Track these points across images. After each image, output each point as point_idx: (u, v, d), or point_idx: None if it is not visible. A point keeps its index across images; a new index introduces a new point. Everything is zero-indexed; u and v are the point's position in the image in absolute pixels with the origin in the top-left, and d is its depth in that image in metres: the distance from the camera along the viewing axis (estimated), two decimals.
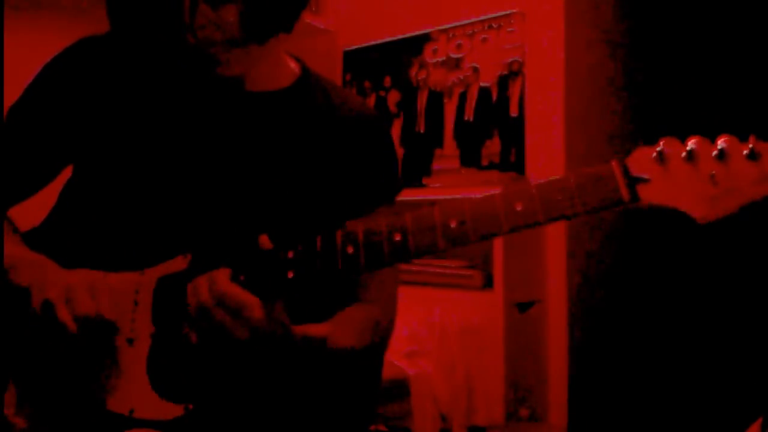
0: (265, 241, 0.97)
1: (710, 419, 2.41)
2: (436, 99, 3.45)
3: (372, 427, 2.48)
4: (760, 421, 1.44)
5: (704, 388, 2.48)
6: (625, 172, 0.87)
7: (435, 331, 2.92)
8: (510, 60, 3.18)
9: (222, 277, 0.94)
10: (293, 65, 1.20)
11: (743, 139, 0.85)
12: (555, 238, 2.95)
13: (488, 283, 2.97)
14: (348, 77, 3.85)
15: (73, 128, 1.12)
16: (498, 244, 2.86)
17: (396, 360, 2.72)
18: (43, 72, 1.14)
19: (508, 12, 3.19)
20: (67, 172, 1.18)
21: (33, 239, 1.13)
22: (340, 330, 1.07)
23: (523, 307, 2.91)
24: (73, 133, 1.12)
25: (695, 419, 2.47)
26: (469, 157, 3.31)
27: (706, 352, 2.50)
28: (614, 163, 0.88)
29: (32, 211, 1.21)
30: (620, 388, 2.72)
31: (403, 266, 3.52)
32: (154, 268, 1.04)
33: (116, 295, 1.03)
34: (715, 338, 2.48)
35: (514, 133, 3.15)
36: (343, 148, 1.16)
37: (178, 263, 1.03)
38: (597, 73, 2.94)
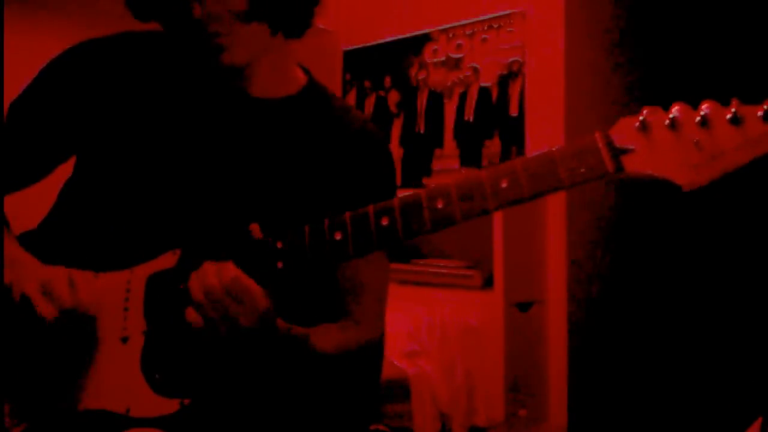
0: (255, 229, 0.98)
1: (710, 419, 2.41)
2: (436, 99, 3.45)
3: (372, 427, 2.48)
4: (760, 421, 1.44)
5: (704, 388, 2.48)
6: (609, 143, 0.86)
7: (435, 331, 2.92)
8: (510, 60, 3.18)
9: (230, 265, 0.95)
10: (300, 75, 1.20)
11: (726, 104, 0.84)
12: (555, 238, 2.95)
13: (488, 283, 2.97)
14: (348, 77, 3.85)
15: (72, 127, 1.12)
16: (498, 243, 2.86)
17: (396, 360, 2.72)
18: (46, 69, 1.14)
19: (508, 12, 3.19)
20: (66, 172, 1.18)
21: (32, 238, 1.14)
22: (321, 336, 1.07)
23: (523, 307, 2.91)
24: (71, 131, 1.13)
25: (695, 419, 2.47)
26: (469, 157, 3.31)
27: (706, 352, 2.50)
28: (598, 135, 0.87)
29: (31, 211, 1.21)
30: (620, 388, 2.72)
31: (404, 266, 3.52)
32: (143, 265, 1.04)
33: (107, 293, 1.03)
34: (715, 338, 2.49)
35: (514, 133, 3.16)
36: (340, 161, 1.16)
37: (168, 260, 1.03)
38: (597, 73, 2.94)
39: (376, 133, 1.26)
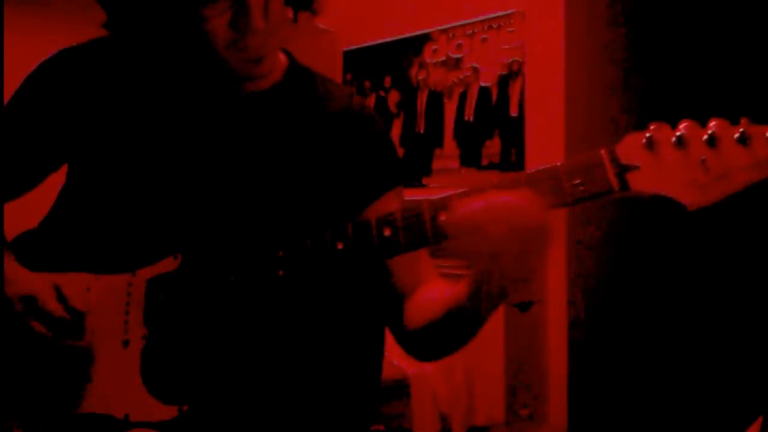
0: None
1: (710, 419, 2.41)
2: (436, 99, 3.46)
3: (372, 427, 2.48)
4: (760, 421, 1.44)
5: (704, 388, 2.48)
6: (615, 160, 0.85)
7: None
8: (510, 60, 3.18)
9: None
10: (282, 58, 1.18)
11: (735, 123, 0.83)
12: (555, 237, 2.94)
13: None
14: (348, 77, 3.85)
15: (61, 136, 1.11)
16: None
17: (396, 360, 2.72)
18: (30, 78, 1.13)
19: (508, 12, 3.19)
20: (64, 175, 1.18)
21: (30, 241, 1.13)
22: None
23: (523, 307, 2.91)
24: (60, 140, 1.11)
25: (695, 419, 2.47)
26: (469, 157, 3.31)
27: (706, 352, 2.50)
28: (603, 152, 0.86)
29: (30, 213, 1.21)
30: (620, 388, 2.72)
31: None
32: (144, 270, 1.04)
33: (108, 296, 1.03)
34: (715, 338, 2.49)
35: (514, 133, 3.16)
36: (333, 141, 1.14)
37: (169, 264, 1.03)
38: (597, 72, 2.94)
39: (363, 106, 1.23)
